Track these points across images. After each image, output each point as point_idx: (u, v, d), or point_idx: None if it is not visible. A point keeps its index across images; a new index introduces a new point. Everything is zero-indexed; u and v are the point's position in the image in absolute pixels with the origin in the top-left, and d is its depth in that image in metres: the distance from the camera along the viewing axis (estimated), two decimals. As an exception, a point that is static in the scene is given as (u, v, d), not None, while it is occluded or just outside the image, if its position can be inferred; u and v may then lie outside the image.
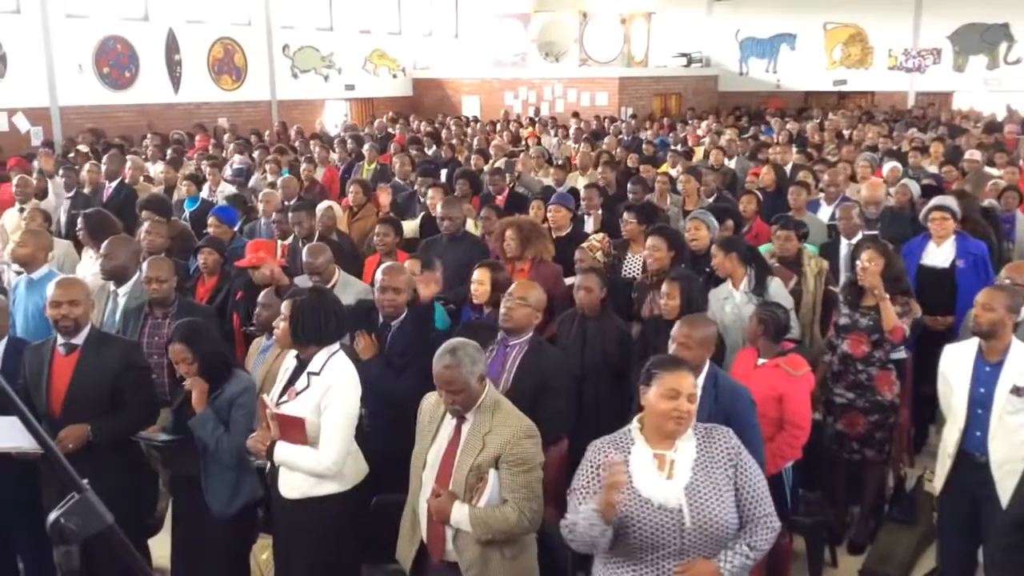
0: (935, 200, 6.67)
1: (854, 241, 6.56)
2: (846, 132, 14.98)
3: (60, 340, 4.10)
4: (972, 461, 4.10)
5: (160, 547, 4.35)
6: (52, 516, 1.45)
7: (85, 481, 1.46)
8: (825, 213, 7.63)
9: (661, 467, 2.89)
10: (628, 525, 2.83)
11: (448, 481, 3.37)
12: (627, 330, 5.13)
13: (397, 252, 6.41)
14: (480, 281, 5.15)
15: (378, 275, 4.76)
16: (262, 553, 4.30)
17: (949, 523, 4.35)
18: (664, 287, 4.84)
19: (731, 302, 5.34)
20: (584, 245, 5.93)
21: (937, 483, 4.34)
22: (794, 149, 11.83)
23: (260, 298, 4.95)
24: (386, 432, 4.16)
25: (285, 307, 3.77)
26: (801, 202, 7.49)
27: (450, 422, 3.45)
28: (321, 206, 7.28)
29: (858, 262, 5.19)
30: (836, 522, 5.16)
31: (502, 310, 4.37)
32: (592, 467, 2.96)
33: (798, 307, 5.67)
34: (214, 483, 3.96)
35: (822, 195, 8.09)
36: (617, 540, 2.85)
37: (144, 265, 5.14)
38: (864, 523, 5.31)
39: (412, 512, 3.56)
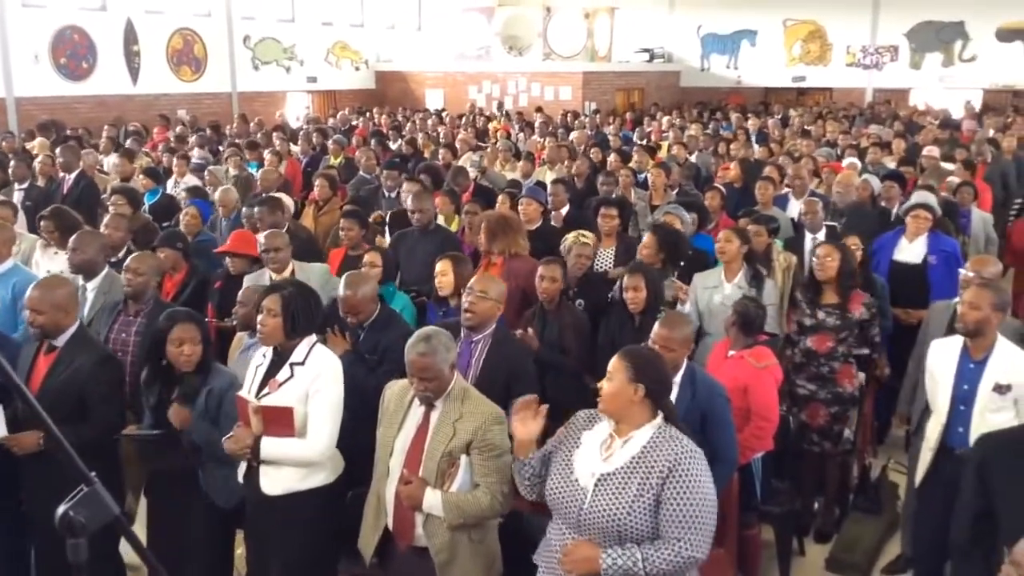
0: (918, 197, 6.79)
1: (818, 236, 6.70)
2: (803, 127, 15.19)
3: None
4: (954, 456, 4.13)
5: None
6: (61, 509, 1.45)
7: (93, 474, 1.46)
8: (795, 208, 7.74)
9: (607, 448, 2.96)
10: (549, 483, 3.01)
11: (418, 467, 3.42)
12: (585, 323, 5.15)
13: (362, 245, 6.40)
14: (443, 272, 5.18)
15: (340, 287, 4.67)
16: (239, 548, 4.27)
17: (926, 514, 4.36)
18: (628, 280, 4.90)
19: (720, 292, 5.42)
20: (585, 240, 5.90)
21: (918, 475, 4.38)
22: (756, 145, 11.97)
23: (240, 296, 4.90)
24: (359, 427, 4.15)
25: (272, 302, 3.66)
26: (768, 197, 7.60)
27: (418, 409, 3.49)
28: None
29: (814, 259, 5.27)
30: (803, 512, 5.26)
31: (464, 306, 4.36)
32: (563, 430, 3.12)
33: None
34: (213, 478, 3.93)
35: (789, 190, 8.21)
36: (545, 495, 3.05)
37: (129, 257, 5.10)
38: (829, 513, 5.42)
39: (376, 498, 3.59)
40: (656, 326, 4.03)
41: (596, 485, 2.89)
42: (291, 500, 3.65)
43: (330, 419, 3.65)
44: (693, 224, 6.74)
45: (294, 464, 3.65)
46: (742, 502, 4.38)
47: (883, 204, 7.90)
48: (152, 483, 4.19)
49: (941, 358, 4.25)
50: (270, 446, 3.60)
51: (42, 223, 6.32)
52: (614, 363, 2.97)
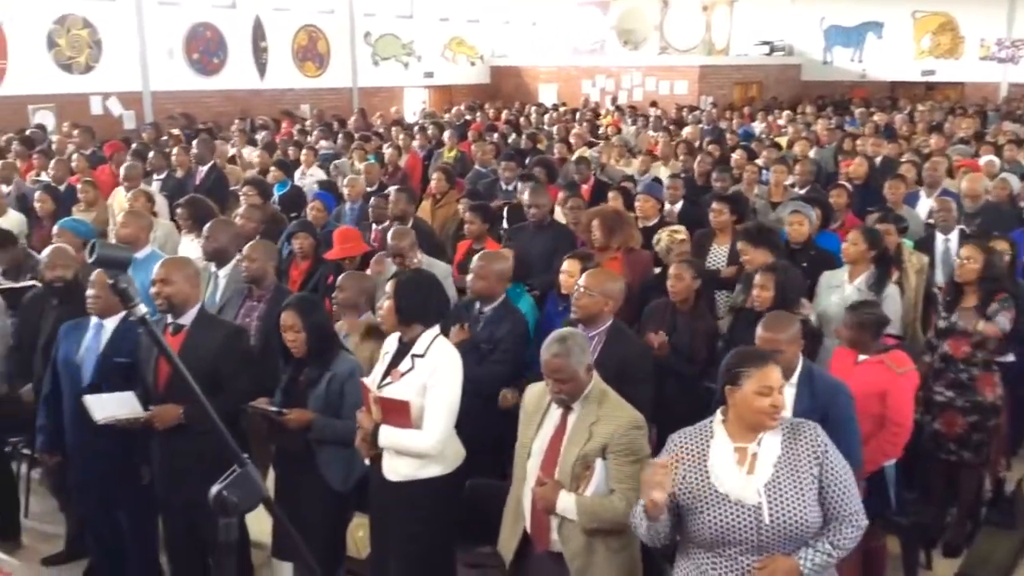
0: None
1: (950, 236, 6.41)
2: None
3: (169, 319, 4.16)
4: None
5: (258, 522, 4.42)
6: (214, 489, 1.50)
7: (246, 456, 1.51)
8: (924, 206, 7.43)
9: (741, 461, 2.86)
10: (703, 519, 2.82)
11: (553, 470, 3.37)
12: (716, 331, 5.08)
13: (487, 239, 6.47)
14: (570, 272, 5.13)
15: (473, 262, 4.84)
16: (358, 531, 4.37)
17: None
18: (758, 278, 4.77)
19: (840, 292, 5.24)
20: (682, 237, 5.85)
21: None
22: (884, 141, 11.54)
23: (339, 281, 5.02)
24: (473, 418, 4.19)
25: (389, 286, 3.82)
26: (899, 196, 7.31)
27: (555, 412, 3.45)
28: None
29: (955, 258, 5.04)
30: (932, 524, 5.04)
31: (572, 301, 4.35)
32: (677, 463, 2.92)
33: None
34: (331, 462, 4.01)
35: (921, 188, 7.88)
36: (693, 533, 2.86)
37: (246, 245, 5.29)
38: (961, 526, 5.19)
39: (515, 502, 3.56)
40: (759, 329, 3.87)
41: (768, 498, 2.79)
42: (410, 487, 3.72)
43: (444, 414, 3.68)
44: (817, 220, 6.53)
45: (407, 454, 3.71)
46: (870, 511, 4.21)
47: (1023, 204, 7.51)
48: (277, 460, 4.30)
49: None
50: (386, 435, 3.67)
51: (178, 211, 6.63)
52: (780, 373, 2.90)
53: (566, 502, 3.28)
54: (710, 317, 5.13)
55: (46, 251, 5.09)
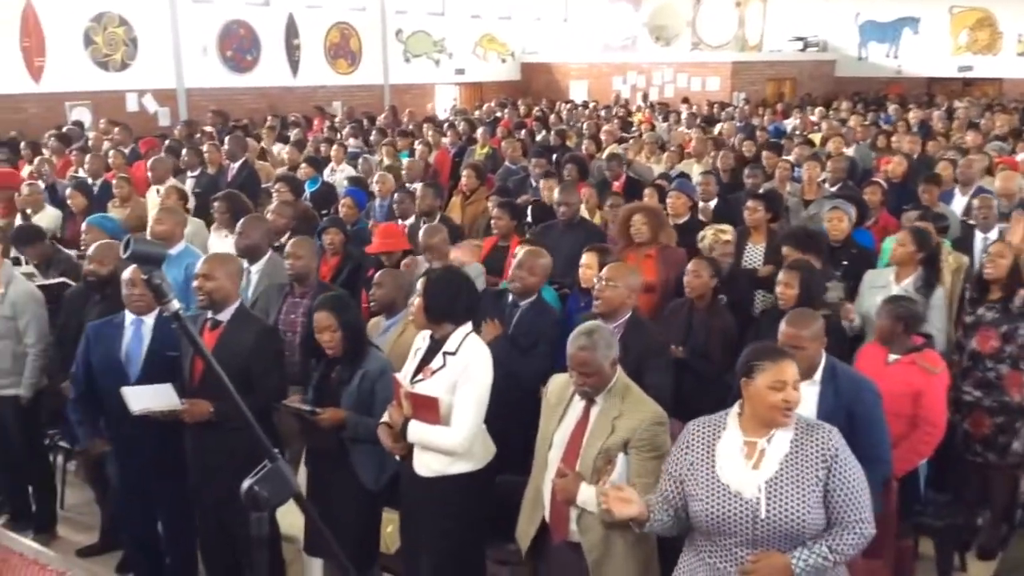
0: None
1: (990, 235, 6.31)
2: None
3: (209, 314, 4.18)
4: None
5: (290, 516, 4.45)
6: (246, 484, 1.52)
7: (276, 450, 1.52)
8: (959, 204, 7.31)
9: (749, 455, 2.87)
10: (703, 506, 2.86)
11: (575, 462, 3.39)
12: (734, 330, 5.05)
13: (513, 236, 6.46)
14: (588, 265, 5.19)
15: (519, 254, 4.92)
16: (387, 526, 4.38)
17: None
18: (782, 275, 4.77)
19: (886, 293, 5.16)
20: (727, 238, 5.81)
21: None
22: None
23: (375, 277, 5.03)
24: (509, 414, 4.20)
25: (420, 284, 3.84)
26: (934, 197, 7.19)
27: (578, 404, 3.48)
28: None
29: (983, 255, 5.00)
30: (964, 526, 4.97)
31: (594, 293, 4.41)
32: (682, 449, 2.99)
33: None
34: (364, 460, 4.04)
35: (956, 186, 7.77)
36: (694, 519, 2.92)
37: (289, 242, 5.32)
38: (995, 529, 5.11)
39: (535, 491, 3.60)
40: (783, 324, 3.84)
41: (767, 494, 2.80)
42: (441, 483, 3.73)
43: (473, 411, 3.68)
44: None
45: (435, 450, 3.72)
46: (901, 511, 4.18)
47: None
48: (309, 458, 4.33)
49: None
50: (415, 430, 3.70)
51: (215, 205, 6.69)
52: (796, 369, 2.89)
53: (586, 495, 3.30)
54: (727, 315, 5.11)
55: (92, 246, 5.13)
